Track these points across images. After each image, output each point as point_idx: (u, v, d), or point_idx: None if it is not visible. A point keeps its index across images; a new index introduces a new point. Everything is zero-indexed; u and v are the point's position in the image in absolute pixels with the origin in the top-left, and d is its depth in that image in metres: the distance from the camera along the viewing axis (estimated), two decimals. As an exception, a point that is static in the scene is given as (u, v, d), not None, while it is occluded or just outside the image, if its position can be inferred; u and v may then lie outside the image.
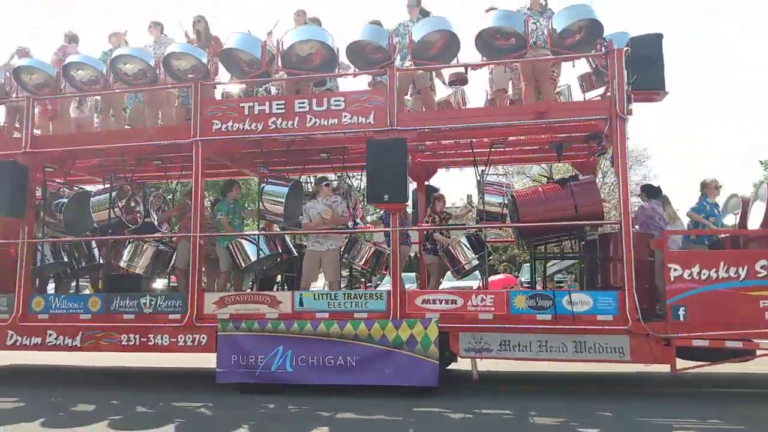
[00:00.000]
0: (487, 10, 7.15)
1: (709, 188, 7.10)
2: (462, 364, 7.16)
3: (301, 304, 6.82)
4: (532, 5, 7.01)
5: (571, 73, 8.97)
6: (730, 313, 5.94)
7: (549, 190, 6.81)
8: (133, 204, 7.94)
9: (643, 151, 26.66)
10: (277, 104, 7.02)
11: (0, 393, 6.84)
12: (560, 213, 6.56)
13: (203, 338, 6.86)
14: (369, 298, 6.73)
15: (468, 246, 7.36)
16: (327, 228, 7.13)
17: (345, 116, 6.84)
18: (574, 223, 6.56)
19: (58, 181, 8.84)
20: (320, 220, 7.09)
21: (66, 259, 7.85)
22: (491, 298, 6.47)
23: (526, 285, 19.40)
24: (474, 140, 7.59)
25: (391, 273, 6.98)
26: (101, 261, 8.20)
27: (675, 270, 6.06)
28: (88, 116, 8.41)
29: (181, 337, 6.95)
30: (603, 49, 6.55)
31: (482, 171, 7.56)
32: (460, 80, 7.81)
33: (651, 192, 7.39)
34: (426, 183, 9.11)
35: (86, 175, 8.88)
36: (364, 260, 7.61)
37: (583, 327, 6.18)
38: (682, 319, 5.99)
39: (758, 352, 6.13)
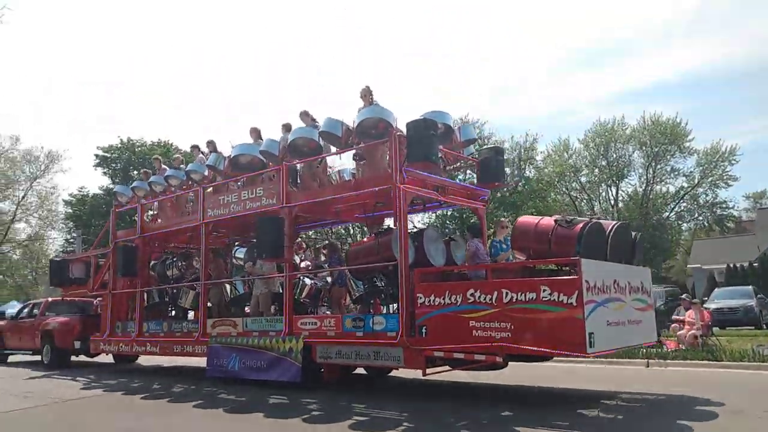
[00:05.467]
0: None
1: (497, 227, 9.27)
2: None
3: (246, 326, 11.55)
4: (365, 103, 10.40)
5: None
6: (452, 331, 8.36)
7: (366, 242, 10.06)
8: (194, 263, 13.84)
9: None
10: (233, 195, 11.99)
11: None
12: (370, 258, 9.81)
13: (204, 348, 12.12)
14: (276, 322, 11.05)
15: (354, 280, 10.94)
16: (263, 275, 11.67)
17: (263, 199, 11.40)
18: (374, 265, 9.72)
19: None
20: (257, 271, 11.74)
21: (167, 299, 14.12)
22: (333, 321, 10.13)
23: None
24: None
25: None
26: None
27: (420, 298, 8.82)
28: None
29: (195, 347, 12.38)
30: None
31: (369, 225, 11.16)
32: (360, 157, 11.45)
33: (474, 231, 9.84)
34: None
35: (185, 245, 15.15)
36: (304, 294, 11.82)
37: (378, 340, 9.35)
38: (424, 335, 8.71)
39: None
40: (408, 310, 9.01)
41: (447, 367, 8.93)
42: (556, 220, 8.22)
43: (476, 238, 9.79)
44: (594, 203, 54.61)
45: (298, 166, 11.46)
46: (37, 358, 16.83)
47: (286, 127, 11.41)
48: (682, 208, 52.43)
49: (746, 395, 8.72)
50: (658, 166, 50.96)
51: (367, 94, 10.27)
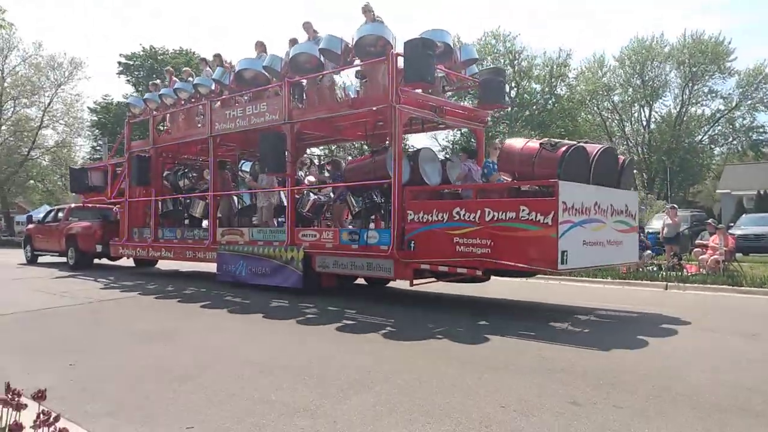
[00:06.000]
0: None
1: (490, 149, 9.64)
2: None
3: (252, 236, 12.32)
4: (367, 19, 10.59)
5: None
6: (438, 246, 8.98)
7: (363, 159, 10.54)
8: (205, 175, 14.54)
9: None
10: (239, 110, 12.47)
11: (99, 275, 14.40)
12: (366, 176, 10.34)
13: (214, 254, 12.99)
14: (279, 233, 11.78)
15: (352, 196, 11.51)
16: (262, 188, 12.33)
17: (267, 115, 11.88)
18: (367, 182, 10.24)
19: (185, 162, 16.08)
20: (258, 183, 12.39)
21: (180, 208, 14.94)
22: (331, 234, 10.81)
23: None
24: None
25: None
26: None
27: (410, 214, 9.40)
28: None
29: (206, 253, 13.26)
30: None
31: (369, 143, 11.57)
32: (362, 75, 11.74)
33: (469, 153, 10.25)
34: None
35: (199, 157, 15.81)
36: (307, 208, 12.47)
37: (371, 253, 10.02)
38: (412, 249, 9.36)
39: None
40: (399, 226, 9.62)
41: (433, 279, 9.62)
42: (541, 144, 8.59)
43: (470, 160, 10.21)
44: (625, 124, 53.80)
45: (304, 82, 11.81)
46: (63, 259, 18.09)
47: (292, 42, 11.66)
48: (717, 131, 51.45)
49: (748, 319, 9.11)
50: (695, 87, 49.65)
51: (368, 11, 10.45)
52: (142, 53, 49.52)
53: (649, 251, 15.22)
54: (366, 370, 5.64)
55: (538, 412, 4.42)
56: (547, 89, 50.98)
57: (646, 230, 17.80)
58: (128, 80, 50.17)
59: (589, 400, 4.72)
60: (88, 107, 50.60)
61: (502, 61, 49.41)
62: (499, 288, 11.41)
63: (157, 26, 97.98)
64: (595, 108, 53.13)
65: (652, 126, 52.65)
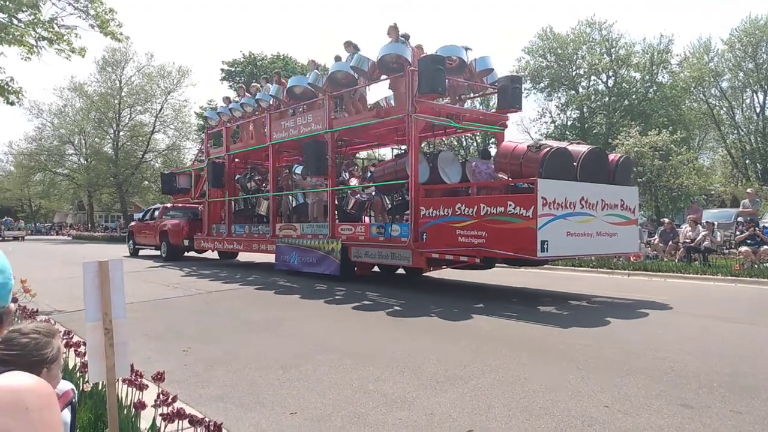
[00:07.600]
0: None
1: None
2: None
3: (303, 230, 14.30)
4: (392, 38, 12.17)
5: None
6: (444, 237, 10.43)
7: (388, 162, 12.13)
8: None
9: None
10: (291, 121, 14.48)
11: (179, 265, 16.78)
12: (391, 176, 11.97)
13: (273, 246, 15.10)
14: (324, 227, 13.66)
15: (384, 195, 13.14)
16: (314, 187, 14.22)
17: (312, 125, 13.80)
18: (390, 182, 11.84)
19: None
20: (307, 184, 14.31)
21: (250, 207, 17.22)
22: (363, 228, 12.54)
23: None
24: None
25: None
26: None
27: (423, 210, 10.93)
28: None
29: (267, 246, 15.40)
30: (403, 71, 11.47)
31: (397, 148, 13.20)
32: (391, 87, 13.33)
33: (484, 154, 11.62)
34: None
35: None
36: (350, 206, 14.25)
37: (394, 244, 11.64)
38: (424, 240, 10.89)
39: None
40: (416, 220, 11.20)
41: (444, 266, 11.13)
42: (528, 146, 9.87)
43: (482, 159, 11.58)
44: (735, 111, 51.47)
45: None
46: (158, 252, 21.07)
47: (336, 59, 13.51)
48: None
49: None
50: (819, 68, 46.73)
51: (392, 31, 12.06)
52: (242, 60, 53.44)
53: (766, 246, 14.67)
54: (462, 364, 5.69)
55: (645, 413, 4.26)
56: (647, 77, 49.81)
57: (761, 225, 17.06)
58: (230, 86, 54.34)
59: (703, 403, 4.50)
60: (195, 112, 55.30)
61: (598, 50, 48.97)
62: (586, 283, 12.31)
63: (256, 33, 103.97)
64: (701, 95, 51.19)
65: (767, 113, 50.08)
